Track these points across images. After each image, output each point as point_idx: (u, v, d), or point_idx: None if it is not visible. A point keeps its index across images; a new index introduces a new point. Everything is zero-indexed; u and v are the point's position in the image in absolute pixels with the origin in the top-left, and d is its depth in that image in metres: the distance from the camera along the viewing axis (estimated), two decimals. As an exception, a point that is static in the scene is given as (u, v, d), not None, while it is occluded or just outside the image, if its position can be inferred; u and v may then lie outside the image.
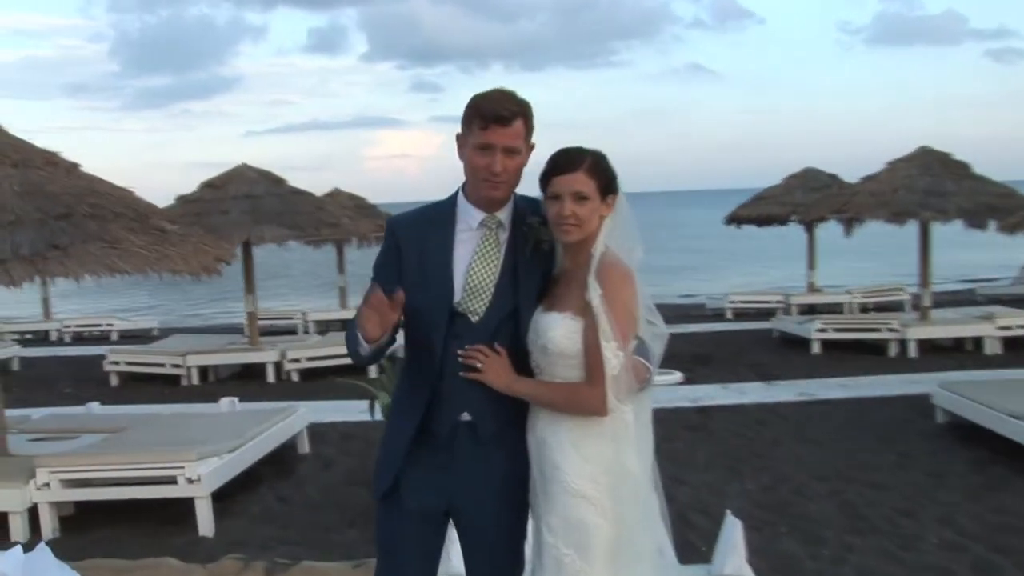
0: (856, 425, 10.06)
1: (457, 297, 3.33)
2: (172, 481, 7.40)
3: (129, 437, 8.57)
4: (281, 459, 9.19)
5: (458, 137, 3.36)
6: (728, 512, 5.41)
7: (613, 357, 3.13)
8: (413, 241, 3.40)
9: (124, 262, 7.10)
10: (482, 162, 3.24)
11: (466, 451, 3.33)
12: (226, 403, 10.12)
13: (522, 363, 3.33)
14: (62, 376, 15.66)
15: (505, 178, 3.26)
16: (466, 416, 3.35)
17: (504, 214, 3.38)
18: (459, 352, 3.27)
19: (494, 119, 3.20)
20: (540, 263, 3.36)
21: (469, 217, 3.37)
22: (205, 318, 28.89)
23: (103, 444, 8.33)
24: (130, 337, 21.09)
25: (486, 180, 3.27)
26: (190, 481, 7.35)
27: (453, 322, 3.33)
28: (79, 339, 21.45)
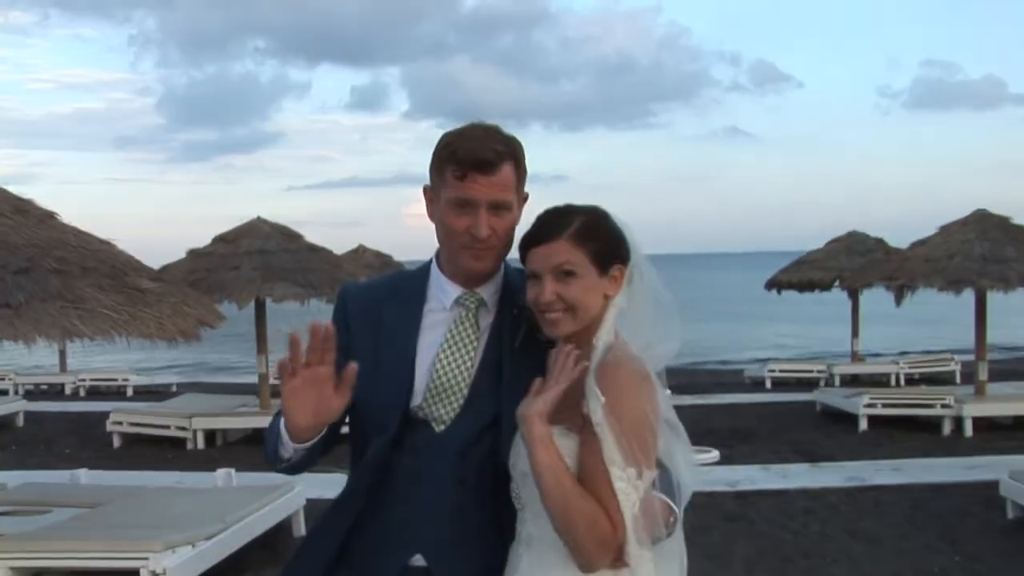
0: (913, 519, 8.96)
1: (418, 399, 2.46)
2: (135, 574, 6.47)
3: (103, 516, 7.69)
4: (273, 542, 8.23)
5: (426, 190, 2.52)
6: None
7: (632, 489, 2.18)
8: (368, 318, 2.54)
9: (85, 324, 6.23)
10: (460, 224, 2.39)
11: None
12: (222, 475, 9.23)
13: (505, 493, 2.40)
14: (65, 435, 14.88)
15: (492, 243, 2.43)
16: (419, 560, 2.44)
17: (488, 290, 2.52)
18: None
19: (473, 165, 2.35)
20: (534, 358, 2.41)
21: (442, 294, 2.54)
22: (235, 372, 28.10)
23: (69, 525, 7.43)
24: (146, 393, 20.40)
25: (466, 248, 2.42)
26: (154, 575, 6.41)
27: (410, 431, 2.44)
28: (94, 393, 20.69)
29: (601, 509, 2.16)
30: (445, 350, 2.47)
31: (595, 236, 2.32)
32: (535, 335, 2.42)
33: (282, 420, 2.34)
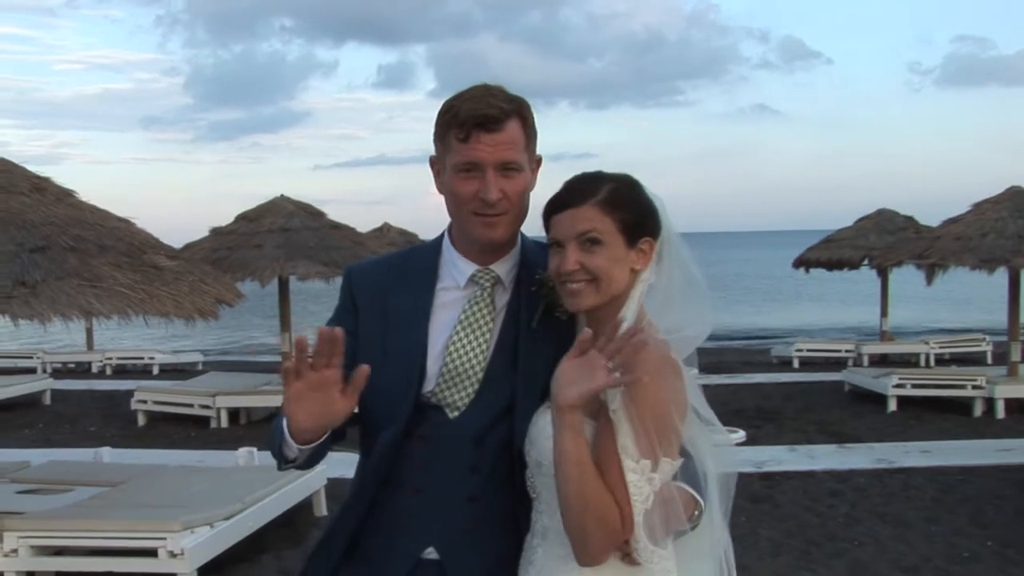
0: (944, 502, 8.80)
1: (430, 384, 2.33)
2: (153, 554, 6.42)
3: (124, 495, 7.66)
4: (293, 522, 8.18)
5: (432, 162, 2.37)
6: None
7: (645, 483, 2.05)
8: (376, 301, 2.41)
9: (101, 303, 6.16)
10: (468, 189, 2.25)
11: None
12: (243, 454, 9.19)
13: (522, 482, 2.29)
14: (91, 412, 14.93)
15: (504, 207, 2.28)
16: (431, 553, 2.32)
17: (505, 266, 2.38)
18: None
19: (476, 123, 2.20)
20: (553, 338, 2.30)
21: (455, 271, 2.40)
22: (261, 349, 28.15)
23: (89, 504, 7.40)
24: (172, 371, 20.52)
25: (477, 214, 2.27)
26: (172, 555, 6.35)
27: (422, 418, 2.31)
28: (121, 372, 20.77)
29: (614, 504, 2.05)
30: (459, 332, 2.34)
31: (625, 205, 2.19)
32: (553, 314, 2.31)
33: (285, 420, 2.21)
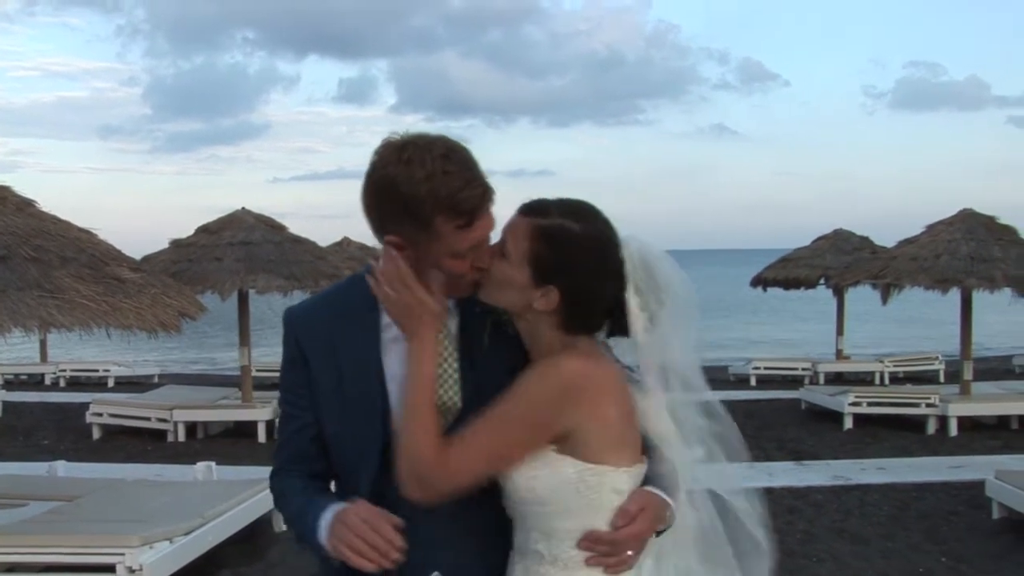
0: (900, 518, 8.90)
1: (398, 422, 2.24)
2: (111, 570, 6.34)
3: (80, 509, 7.56)
4: (252, 538, 8.11)
5: (391, 243, 2.23)
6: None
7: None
8: (324, 347, 2.33)
9: (63, 315, 6.10)
10: (465, 266, 2.21)
11: None
12: (202, 468, 9.09)
13: (502, 517, 2.29)
14: (44, 425, 14.71)
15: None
16: None
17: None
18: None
19: (478, 206, 2.16)
20: (504, 355, 2.28)
21: None
22: (219, 364, 27.92)
23: (43, 519, 7.29)
24: (128, 384, 20.25)
25: (467, 282, 2.26)
26: (131, 571, 6.29)
27: (392, 466, 2.23)
28: (75, 384, 20.47)
29: (433, 443, 2.11)
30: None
31: (551, 242, 2.15)
32: (504, 330, 2.28)
33: (323, 540, 2.20)
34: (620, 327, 2.22)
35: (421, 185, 2.11)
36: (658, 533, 2.25)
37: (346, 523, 2.14)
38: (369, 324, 2.30)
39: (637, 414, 2.21)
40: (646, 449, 2.25)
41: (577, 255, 2.14)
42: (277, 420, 12.60)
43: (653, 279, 2.20)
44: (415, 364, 2.18)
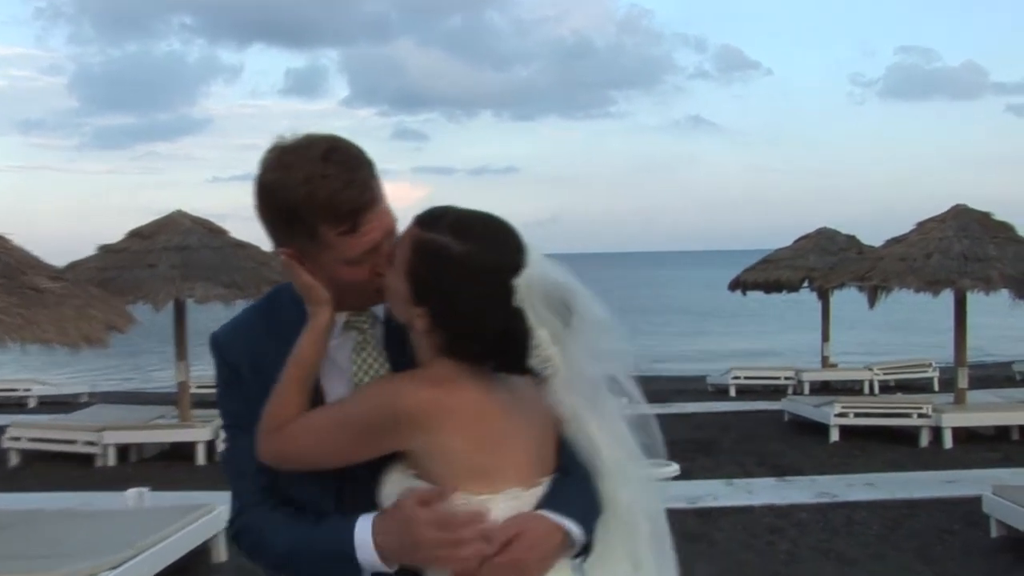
0: (890, 537, 8.94)
1: None
2: (31, 608, 6.24)
3: (-4, 542, 7.43)
4: (189, 570, 8.03)
5: (282, 254, 2.25)
6: None
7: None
8: (255, 368, 2.31)
9: (-28, 329, 5.98)
10: (363, 273, 2.20)
11: None
12: (133, 495, 8.97)
13: None
14: (-42, 451, 14.42)
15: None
16: None
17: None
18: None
19: (360, 208, 2.14)
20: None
21: None
22: (155, 380, 27.66)
23: (-43, 554, 7.16)
24: (52, 404, 19.87)
25: (372, 290, 2.24)
26: (52, 610, 6.19)
27: (346, 481, 2.23)
28: (-6, 404, 20.15)
29: (283, 412, 2.19)
30: (360, 383, 2.29)
31: (427, 260, 2.12)
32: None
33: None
34: (513, 362, 2.16)
35: (298, 190, 2.10)
36: (579, 553, 2.24)
37: (418, 518, 2.08)
38: (293, 343, 2.26)
39: (513, 437, 2.19)
40: (567, 468, 2.25)
41: (450, 278, 2.11)
42: (219, 442, 12.57)
43: (560, 306, 2.16)
44: (298, 343, 2.22)
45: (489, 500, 2.13)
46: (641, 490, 2.33)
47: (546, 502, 2.17)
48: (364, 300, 2.27)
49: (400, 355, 2.26)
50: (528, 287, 2.11)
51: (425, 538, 2.05)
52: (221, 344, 2.39)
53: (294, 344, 2.23)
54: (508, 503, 2.14)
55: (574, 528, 2.17)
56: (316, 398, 2.25)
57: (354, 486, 2.20)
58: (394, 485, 2.16)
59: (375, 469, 2.17)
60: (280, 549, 2.26)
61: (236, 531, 2.37)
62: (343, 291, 2.22)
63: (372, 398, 2.16)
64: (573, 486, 2.22)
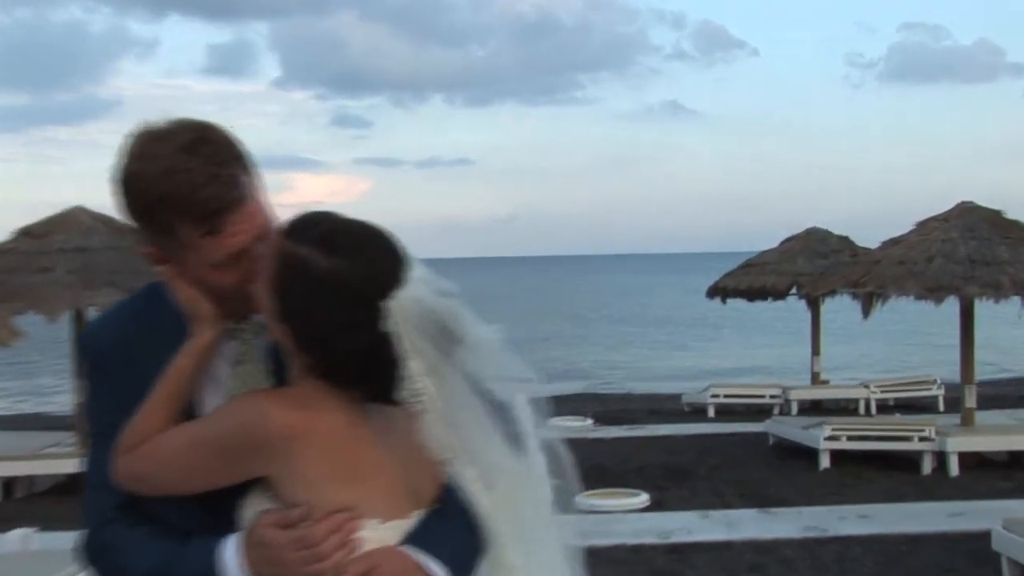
0: (886, 577, 9.00)
1: None
2: None
3: None
4: (84, 619, 7.92)
5: (145, 254, 2.27)
6: None
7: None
8: (130, 374, 2.29)
9: None
10: (231, 278, 2.19)
11: None
12: (17, 537, 8.84)
13: None
14: None
15: None
16: None
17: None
18: None
19: (224, 208, 2.13)
20: None
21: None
22: (52, 402, 27.40)
23: None
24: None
25: (240, 298, 2.23)
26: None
27: (206, 509, 2.23)
28: None
29: (144, 428, 2.19)
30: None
31: (288, 275, 2.12)
32: None
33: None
34: (380, 392, 2.18)
35: (157, 184, 2.09)
36: None
37: (278, 541, 2.10)
38: (172, 349, 2.26)
39: (381, 467, 2.22)
40: (445, 506, 2.28)
41: (312, 297, 2.10)
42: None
43: (440, 334, 2.16)
44: (175, 360, 2.23)
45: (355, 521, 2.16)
46: (540, 548, 2.35)
47: (412, 539, 2.19)
48: (238, 307, 2.25)
49: (285, 370, 2.25)
50: (402, 311, 2.11)
51: (288, 559, 2.08)
52: (94, 346, 2.39)
53: (170, 348, 2.23)
54: (369, 534, 2.16)
55: (437, 570, 2.18)
56: (190, 415, 2.25)
57: (218, 505, 2.19)
58: (254, 508, 2.16)
59: (239, 489, 2.17)
60: (140, 571, 2.24)
61: (93, 551, 2.33)
62: (213, 297, 2.22)
63: (230, 418, 2.15)
64: (446, 524, 2.23)
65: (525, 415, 2.37)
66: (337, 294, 2.08)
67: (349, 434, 2.17)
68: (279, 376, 2.27)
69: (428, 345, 2.13)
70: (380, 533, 2.17)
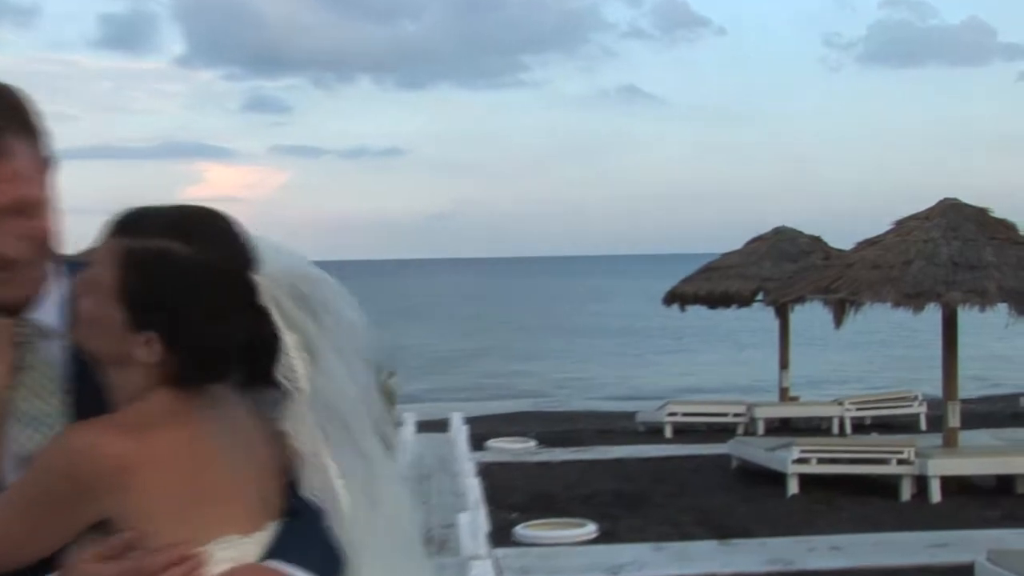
0: (860, 617, 8.92)
1: None
2: None
3: None
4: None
5: None
6: None
7: None
8: None
9: None
10: None
11: None
12: None
13: None
14: None
15: (27, 259, 2.13)
16: None
17: (51, 310, 2.23)
18: None
19: None
20: None
21: None
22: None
23: None
24: None
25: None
26: None
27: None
28: None
29: None
30: (21, 425, 2.16)
31: (147, 273, 2.06)
32: None
33: None
34: (261, 373, 2.15)
35: None
36: None
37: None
38: None
39: (229, 479, 2.16)
40: (297, 510, 2.24)
41: (183, 288, 2.06)
42: None
43: (307, 306, 2.17)
44: None
45: (212, 546, 2.08)
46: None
47: (273, 551, 2.12)
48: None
49: (85, 387, 2.15)
50: (272, 282, 2.13)
51: None
52: None
53: None
54: (223, 553, 2.08)
55: None
56: None
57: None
58: (82, 542, 2.05)
59: None
60: None
61: None
62: None
63: (51, 461, 2.04)
64: (306, 530, 2.17)
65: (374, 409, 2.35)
66: (207, 279, 2.07)
67: (191, 450, 2.11)
68: (78, 394, 2.16)
69: (302, 315, 2.15)
70: (235, 550, 2.10)
